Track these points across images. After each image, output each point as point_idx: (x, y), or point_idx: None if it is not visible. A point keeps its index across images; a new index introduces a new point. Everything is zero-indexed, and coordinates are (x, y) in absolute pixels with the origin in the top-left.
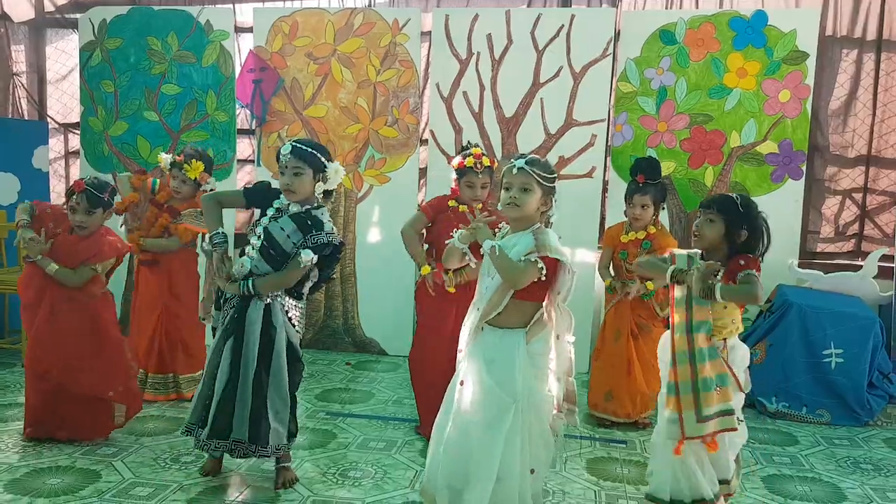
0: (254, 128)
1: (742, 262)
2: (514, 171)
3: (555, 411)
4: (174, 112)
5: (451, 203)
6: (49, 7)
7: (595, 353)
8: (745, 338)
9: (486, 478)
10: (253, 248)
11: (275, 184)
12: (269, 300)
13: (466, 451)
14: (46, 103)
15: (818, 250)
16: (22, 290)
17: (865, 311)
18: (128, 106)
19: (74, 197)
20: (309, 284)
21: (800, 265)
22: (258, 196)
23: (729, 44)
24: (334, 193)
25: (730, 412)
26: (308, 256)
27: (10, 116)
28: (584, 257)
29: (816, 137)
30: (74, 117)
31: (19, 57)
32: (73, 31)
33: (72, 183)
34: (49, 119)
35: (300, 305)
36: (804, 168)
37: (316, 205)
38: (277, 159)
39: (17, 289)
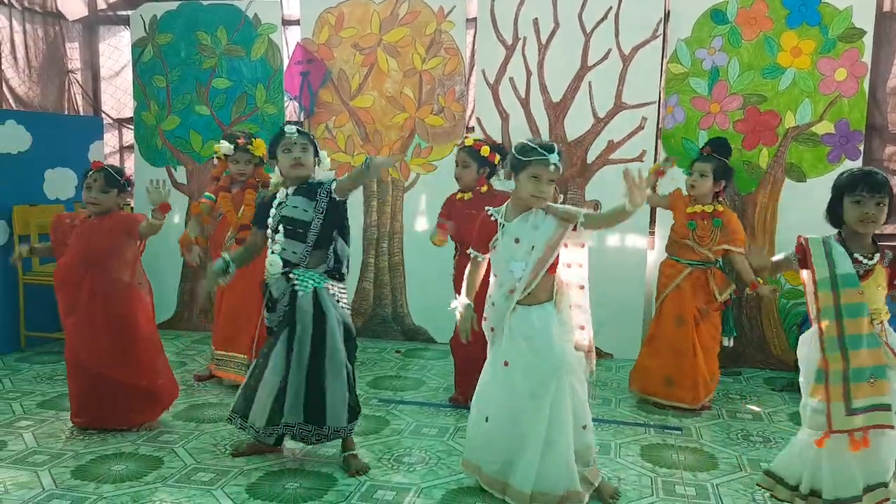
0: (302, 119)
1: None
2: (550, 167)
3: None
4: (225, 106)
5: (458, 196)
6: (101, 5)
7: (648, 339)
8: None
9: (537, 445)
10: (276, 244)
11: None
12: (315, 286)
13: (516, 423)
14: (101, 99)
15: (877, 231)
16: (58, 281)
17: None
18: (179, 100)
19: (92, 174)
20: (345, 262)
21: None
22: (262, 215)
23: (782, 22)
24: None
25: (885, 407)
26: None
27: (66, 113)
28: (635, 242)
29: (874, 116)
30: (128, 112)
31: (73, 54)
32: (125, 28)
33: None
34: (104, 114)
35: (343, 287)
36: (861, 148)
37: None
38: (270, 147)
39: (53, 279)
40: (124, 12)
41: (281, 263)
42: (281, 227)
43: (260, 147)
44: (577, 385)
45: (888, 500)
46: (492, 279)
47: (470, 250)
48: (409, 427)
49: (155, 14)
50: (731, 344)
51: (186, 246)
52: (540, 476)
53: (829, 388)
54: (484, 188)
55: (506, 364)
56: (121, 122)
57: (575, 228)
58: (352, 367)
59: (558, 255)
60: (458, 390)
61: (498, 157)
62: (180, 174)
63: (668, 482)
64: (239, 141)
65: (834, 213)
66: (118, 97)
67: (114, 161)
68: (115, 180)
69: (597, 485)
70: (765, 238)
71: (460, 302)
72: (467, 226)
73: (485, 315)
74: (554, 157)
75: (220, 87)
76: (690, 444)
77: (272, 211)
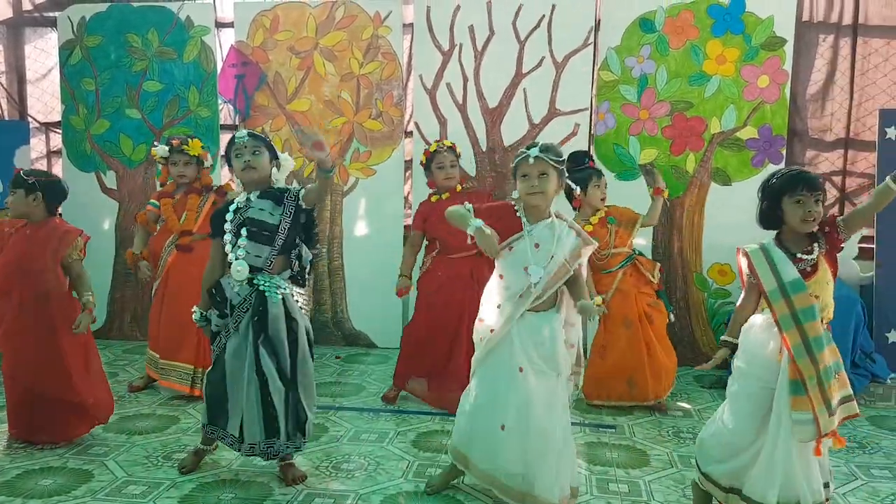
0: (237, 123)
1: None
2: (531, 160)
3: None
4: (156, 109)
5: (434, 198)
6: (27, 6)
7: (598, 349)
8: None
9: (556, 450)
10: (239, 248)
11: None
12: (281, 293)
13: (533, 430)
14: (27, 103)
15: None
16: None
17: (847, 291)
18: (109, 104)
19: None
20: (308, 267)
21: None
22: (218, 222)
23: (708, 31)
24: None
25: (850, 398)
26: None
27: None
28: None
29: (795, 122)
30: (56, 116)
31: None
32: (52, 30)
33: None
34: (30, 118)
35: (304, 293)
36: (784, 152)
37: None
38: (225, 154)
39: None
40: (51, 14)
41: (247, 268)
42: (244, 231)
43: (195, 147)
44: (567, 389)
45: (829, 498)
46: (495, 281)
47: (468, 206)
48: (349, 433)
49: (83, 16)
50: (673, 319)
51: (133, 263)
52: (561, 477)
53: (811, 397)
54: (459, 187)
55: (521, 370)
56: (48, 126)
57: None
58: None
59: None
60: (396, 382)
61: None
62: (110, 179)
63: (601, 479)
64: (174, 142)
65: (771, 216)
66: (45, 101)
67: (40, 167)
68: (21, 181)
69: None
70: (690, 244)
71: (475, 225)
72: (448, 224)
73: (481, 317)
74: (533, 151)
75: (151, 91)
76: (624, 441)
77: (228, 216)
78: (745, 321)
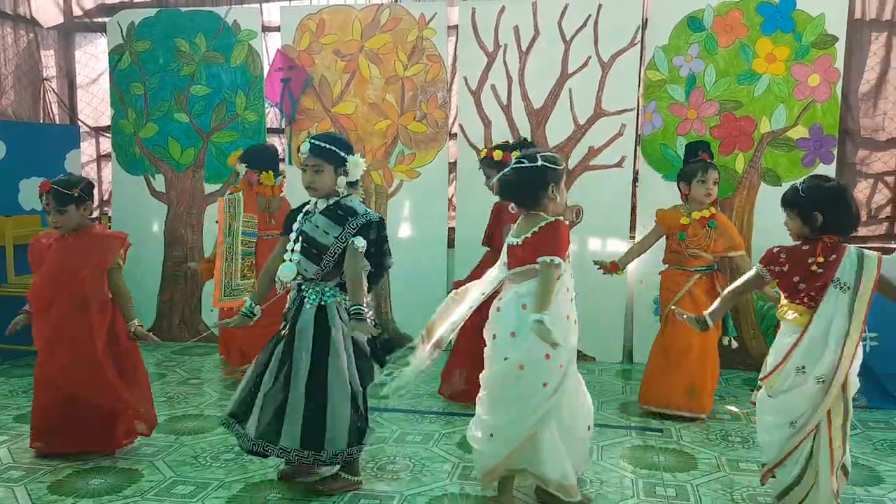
0: (284, 126)
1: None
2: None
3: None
4: (204, 113)
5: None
6: (77, 11)
7: (662, 350)
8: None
9: (556, 433)
10: (294, 253)
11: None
12: (323, 302)
13: (542, 420)
14: (77, 107)
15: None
16: (32, 299)
17: None
18: (158, 108)
19: (43, 198)
20: (364, 275)
21: None
22: (288, 223)
23: (757, 29)
24: (361, 184)
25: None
26: (361, 242)
27: (41, 121)
28: (616, 247)
29: (847, 121)
30: (105, 121)
31: (49, 62)
32: (102, 35)
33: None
34: (80, 123)
35: (369, 300)
36: (835, 152)
37: (344, 194)
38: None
39: (28, 298)
40: (101, 19)
41: (295, 272)
42: (300, 244)
43: (267, 180)
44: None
45: None
46: (564, 296)
47: (558, 261)
48: (394, 435)
49: (132, 21)
50: (735, 345)
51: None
52: (566, 471)
53: None
54: None
55: (521, 368)
56: (98, 131)
57: None
58: (364, 387)
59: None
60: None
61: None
62: (158, 182)
63: (648, 483)
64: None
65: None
66: (95, 105)
67: (90, 170)
68: (67, 196)
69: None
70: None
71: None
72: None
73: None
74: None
75: (198, 95)
76: (670, 445)
77: (299, 217)
78: (731, 305)
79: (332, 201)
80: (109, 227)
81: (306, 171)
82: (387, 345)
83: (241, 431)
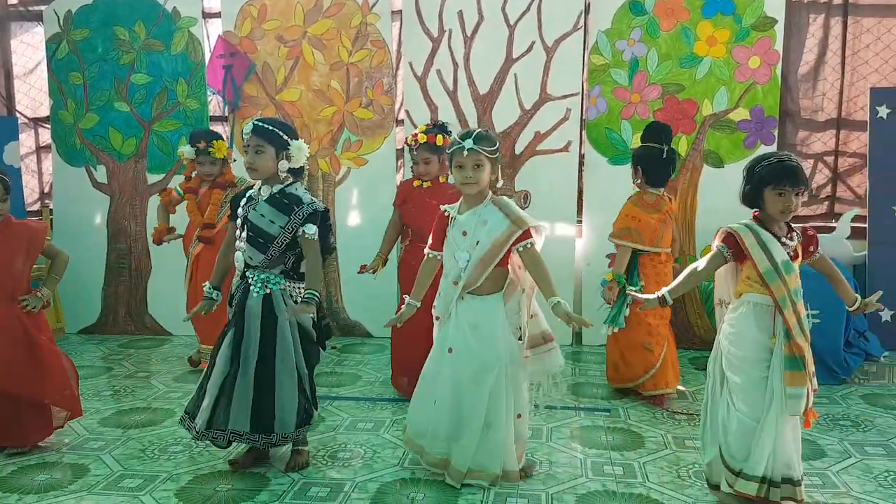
0: (227, 114)
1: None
2: (465, 152)
3: (526, 356)
4: (145, 102)
5: (416, 183)
6: (12, 0)
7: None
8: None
9: (476, 427)
10: (242, 241)
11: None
12: (268, 290)
13: (458, 407)
14: (15, 98)
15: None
16: None
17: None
18: (97, 98)
19: None
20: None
21: None
22: (235, 208)
23: (698, 12)
24: (306, 171)
25: (814, 374)
26: (312, 229)
27: None
28: (563, 231)
29: (787, 102)
30: (44, 111)
31: None
32: (38, 24)
33: None
34: (18, 114)
35: (303, 285)
36: (776, 133)
37: (288, 182)
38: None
39: None
40: (37, 7)
41: (243, 262)
42: (244, 233)
43: (221, 149)
44: (518, 375)
45: None
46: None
47: (427, 250)
48: (345, 422)
49: (69, 9)
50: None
51: (163, 233)
52: (477, 455)
53: (809, 372)
54: (443, 178)
55: (450, 351)
56: (37, 122)
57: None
58: (310, 370)
59: (509, 251)
60: (394, 373)
61: (447, 137)
62: (100, 173)
63: (596, 462)
64: (199, 145)
65: (753, 199)
66: (33, 96)
67: (30, 162)
68: (9, 185)
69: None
70: (683, 228)
71: (409, 303)
72: (425, 214)
73: (434, 303)
74: (468, 143)
75: (139, 83)
76: (618, 424)
77: (242, 202)
78: (692, 285)
79: (276, 189)
80: (52, 220)
81: (248, 152)
82: (328, 330)
83: (190, 425)
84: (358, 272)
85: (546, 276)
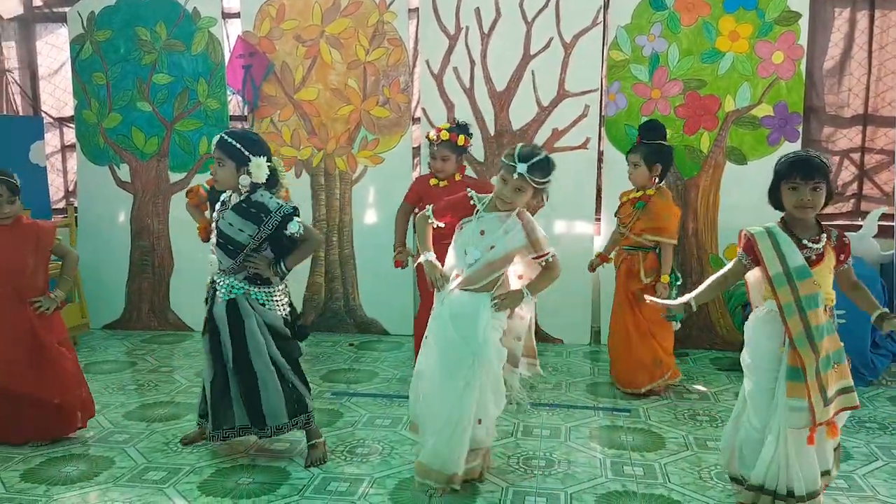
0: (246, 114)
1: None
2: (515, 175)
3: (510, 367)
4: (167, 101)
5: (433, 181)
6: (37, 2)
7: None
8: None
9: (446, 422)
10: (212, 245)
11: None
12: (232, 296)
13: (432, 403)
14: (40, 98)
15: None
16: None
17: (867, 270)
18: (120, 97)
19: None
20: (270, 265)
21: None
22: (215, 201)
23: (720, 7)
24: (281, 186)
25: (850, 389)
26: (295, 227)
27: (4, 113)
28: (582, 229)
29: (812, 98)
30: (69, 111)
31: (10, 53)
32: (63, 25)
33: None
34: (44, 114)
35: (270, 290)
36: (800, 129)
37: (258, 191)
38: None
39: None
40: (61, 9)
41: (218, 263)
42: (214, 238)
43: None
44: (487, 378)
45: (826, 485)
46: (448, 256)
47: (429, 208)
48: (363, 419)
49: (93, 10)
50: (677, 327)
51: (208, 231)
52: (437, 453)
53: (808, 384)
54: (458, 176)
55: (425, 338)
56: (61, 121)
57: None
58: (291, 364)
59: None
60: None
61: (469, 138)
62: (123, 172)
63: (616, 463)
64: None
65: (775, 198)
66: (57, 96)
67: (55, 161)
68: (17, 186)
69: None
70: (706, 225)
71: (426, 259)
72: (443, 211)
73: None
74: (521, 167)
75: (161, 83)
76: (639, 425)
77: (217, 205)
78: (716, 293)
79: (243, 197)
80: (76, 218)
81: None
82: (302, 331)
83: (205, 425)
84: (396, 267)
85: (546, 285)
